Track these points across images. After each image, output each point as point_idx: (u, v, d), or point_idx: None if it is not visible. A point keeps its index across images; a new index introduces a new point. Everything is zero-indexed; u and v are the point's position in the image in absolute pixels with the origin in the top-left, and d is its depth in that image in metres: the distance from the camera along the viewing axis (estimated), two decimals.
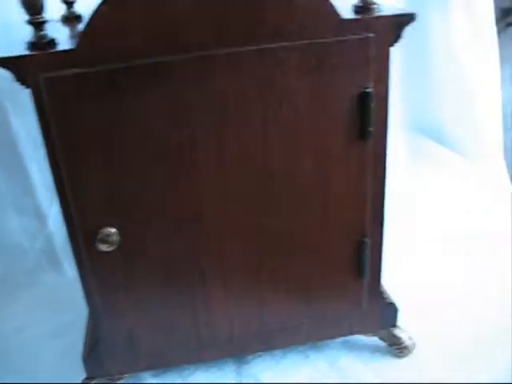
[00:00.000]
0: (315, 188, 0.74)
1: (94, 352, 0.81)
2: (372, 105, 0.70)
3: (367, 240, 0.79)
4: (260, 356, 0.91)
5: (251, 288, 0.78)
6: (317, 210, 0.75)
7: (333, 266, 0.80)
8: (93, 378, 0.83)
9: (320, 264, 0.79)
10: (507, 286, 1.05)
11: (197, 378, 0.89)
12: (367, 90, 0.70)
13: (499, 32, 1.79)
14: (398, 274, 1.10)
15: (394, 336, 0.89)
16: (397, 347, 0.89)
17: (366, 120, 0.71)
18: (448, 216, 1.28)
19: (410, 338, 0.90)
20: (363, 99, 0.70)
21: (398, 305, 0.88)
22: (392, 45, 0.71)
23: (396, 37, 0.71)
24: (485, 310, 0.99)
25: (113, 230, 0.71)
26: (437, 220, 1.27)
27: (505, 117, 1.41)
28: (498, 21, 1.81)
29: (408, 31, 1.38)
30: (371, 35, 0.68)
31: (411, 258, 1.16)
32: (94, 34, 0.62)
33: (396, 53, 1.36)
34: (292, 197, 0.74)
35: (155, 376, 0.89)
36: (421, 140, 1.45)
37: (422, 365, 0.88)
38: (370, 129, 0.72)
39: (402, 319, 0.90)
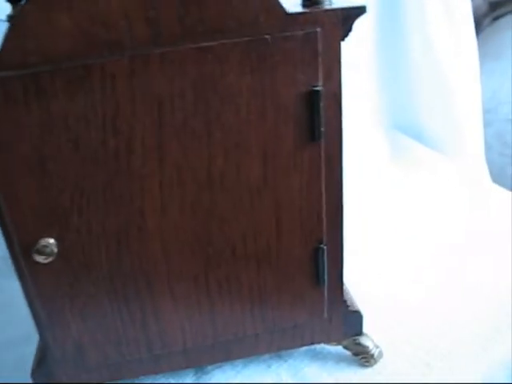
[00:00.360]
0: (265, 193, 0.70)
1: (42, 365, 0.78)
2: (322, 104, 0.67)
3: (324, 246, 0.75)
4: (220, 366, 0.87)
5: (200, 297, 0.75)
6: (268, 215, 0.72)
7: (288, 274, 0.76)
8: None
9: (274, 272, 0.75)
10: (498, 284, 1.00)
11: None
12: (316, 89, 0.66)
13: (486, 26, 1.75)
14: (377, 275, 1.07)
15: (360, 344, 0.85)
16: (362, 356, 0.85)
17: (316, 120, 0.67)
18: (428, 214, 1.24)
19: (376, 347, 0.86)
20: (312, 98, 0.66)
21: (378, 310, 0.84)
22: (342, 39, 0.67)
23: (346, 30, 0.67)
24: (479, 311, 0.95)
25: (51, 241, 0.67)
26: (416, 218, 1.23)
27: (487, 111, 1.37)
28: (486, 14, 1.77)
29: (385, 28, 1.35)
30: (318, 30, 0.64)
31: (391, 258, 1.12)
32: (18, 35, 0.59)
33: (372, 50, 1.34)
34: (240, 202, 0.70)
35: None
36: (399, 138, 1.41)
37: (390, 373, 0.85)
38: (321, 129, 0.68)
39: (382, 326, 0.86)
